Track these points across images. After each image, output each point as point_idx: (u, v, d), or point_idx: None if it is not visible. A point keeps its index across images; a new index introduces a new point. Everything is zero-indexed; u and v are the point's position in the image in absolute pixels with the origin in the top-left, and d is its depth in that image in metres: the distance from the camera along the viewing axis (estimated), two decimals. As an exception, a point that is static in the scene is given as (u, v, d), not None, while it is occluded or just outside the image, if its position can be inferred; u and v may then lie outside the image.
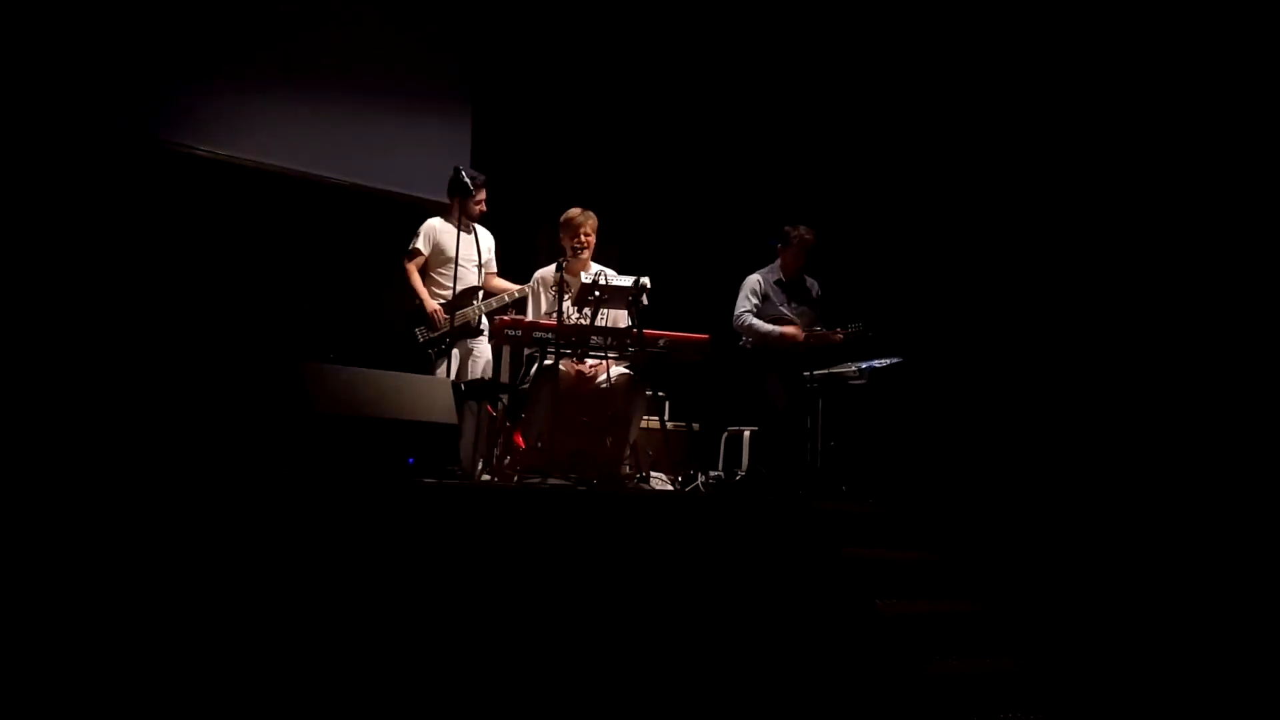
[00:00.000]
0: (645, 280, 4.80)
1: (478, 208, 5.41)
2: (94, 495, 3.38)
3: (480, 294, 5.38)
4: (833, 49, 7.03)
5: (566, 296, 4.92)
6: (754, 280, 5.81)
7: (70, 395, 5.01)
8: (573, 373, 5.09)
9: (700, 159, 7.45)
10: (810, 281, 5.90)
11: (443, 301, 5.29)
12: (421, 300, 5.28)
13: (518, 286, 5.42)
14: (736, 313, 5.75)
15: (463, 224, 5.34)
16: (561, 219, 5.24)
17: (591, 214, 5.22)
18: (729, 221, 7.25)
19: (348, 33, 6.32)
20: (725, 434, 6.44)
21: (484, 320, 5.41)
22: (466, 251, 5.34)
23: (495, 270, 5.59)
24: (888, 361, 5.72)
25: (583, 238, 5.19)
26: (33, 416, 4.78)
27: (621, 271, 5.25)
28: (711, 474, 5.69)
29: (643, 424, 5.25)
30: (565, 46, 7.15)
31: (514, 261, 5.90)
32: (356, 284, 6.07)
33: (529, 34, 7.04)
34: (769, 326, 5.65)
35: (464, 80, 6.83)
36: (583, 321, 4.98)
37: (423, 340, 5.27)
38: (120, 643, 3.15)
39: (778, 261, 5.83)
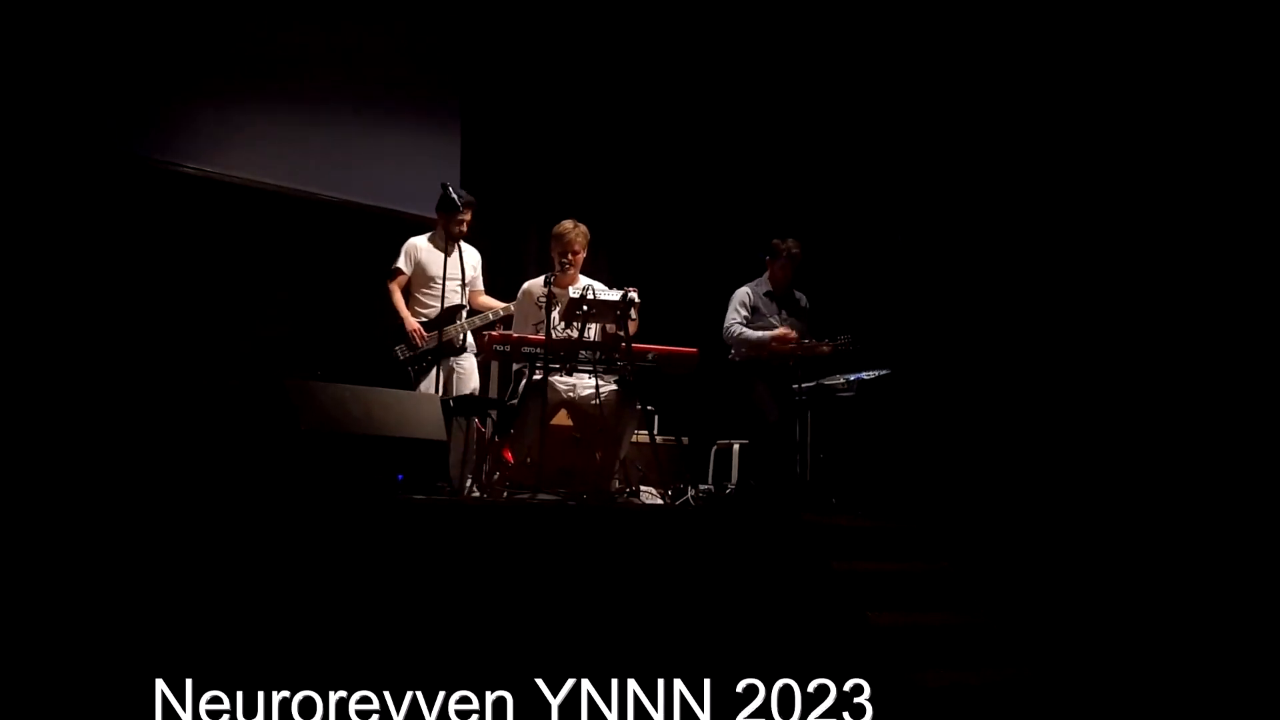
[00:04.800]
0: (634, 294, 4.79)
1: (458, 228, 5.35)
2: (78, 513, 3.36)
3: (464, 312, 5.36)
4: (822, 64, 7.07)
5: (554, 310, 4.91)
6: (743, 293, 5.82)
7: (56, 411, 4.98)
8: (562, 389, 5.09)
9: (689, 172, 7.48)
10: (799, 294, 5.91)
11: (424, 320, 5.28)
12: (402, 319, 5.26)
13: (503, 305, 5.40)
14: (726, 324, 5.75)
15: (445, 242, 5.32)
16: (553, 231, 5.23)
17: (583, 228, 5.21)
18: (716, 235, 7.27)
19: (334, 48, 6.31)
20: (715, 447, 6.44)
21: (468, 339, 5.39)
22: (449, 269, 5.31)
23: (481, 289, 5.58)
24: (876, 373, 5.74)
25: (570, 254, 5.18)
26: (17, 431, 4.75)
27: (610, 285, 5.26)
28: (701, 488, 5.69)
29: (632, 438, 5.24)
30: (555, 58, 7.17)
31: (502, 273, 5.90)
32: (344, 300, 6.05)
33: (518, 46, 7.05)
34: (760, 333, 5.66)
35: (452, 94, 6.82)
36: (571, 335, 4.97)
37: (402, 358, 5.25)
38: (105, 657, 3.12)
39: (766, 274, 5.85)
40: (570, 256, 5.17)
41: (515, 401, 5.00)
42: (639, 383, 4.96)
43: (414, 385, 5.22)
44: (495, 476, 4.93)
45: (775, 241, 5.80)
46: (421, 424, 4.31)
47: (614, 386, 5.08)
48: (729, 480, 6.17)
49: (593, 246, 5.37)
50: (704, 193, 7.45)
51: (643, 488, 5.23)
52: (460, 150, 6.75)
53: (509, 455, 4.99)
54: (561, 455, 5.18)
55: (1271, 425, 4.89)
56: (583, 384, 5.12)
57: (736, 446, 6.25)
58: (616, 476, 5.05)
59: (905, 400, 6.01)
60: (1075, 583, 4.79)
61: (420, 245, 5.40)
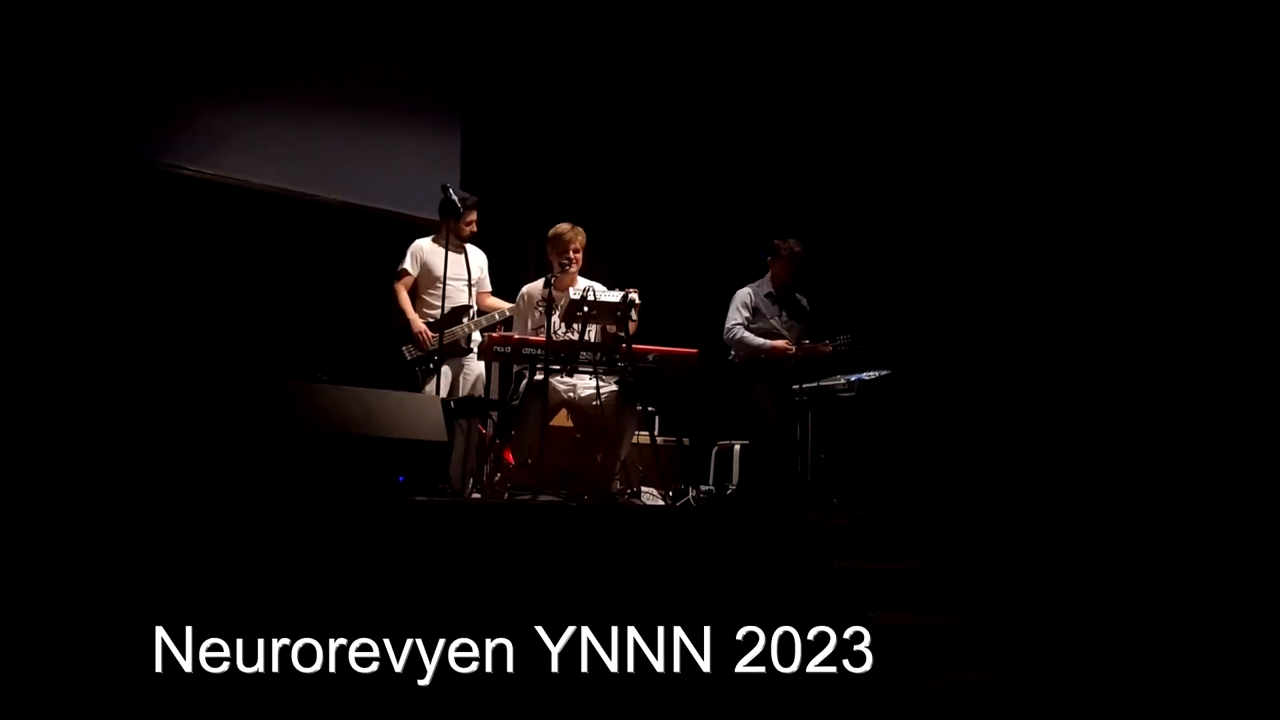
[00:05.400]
0: (634, 295, 4.79)
1: (468, 228, 5.42)
2: (79, 515, 3.36)
3: (471, 313, 5.38)
4: (821, 65, 7.07)
5: (555, 312, 4.92)
6: (745, 293, 5.82)
7: (57, 412, 4.99)
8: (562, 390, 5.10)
9: (689, 173, 7.48)
10: (800, 296, 5.92)
11: (430, 321, 5.30)
12: (409, 320, 5.28)
13: (510, 305, 5.42)
14: (727, 326, 5.76)
15: (452, 243, 5.34)
16: (550, 234, 5.25)
17: (580, 230, 5.23)
18: (717, 235, 7.27)
19: (334, 50, 6.33)
20: (715, 448, 6.44)
21: (475, 339, 5.41)
22: (455, 271, 5.33)
23: (489, 289, 5.61)
24: (876, 374, 5.75)
25: (571, 254, 5.19)
26: (19, 431, 4.76)
27: (610, 286, 5.27)
28: (702, 489, 5.69)
29: (633, 439, 5.25)
30: (554, 60, 7.17)
31: (503, 276, 5.90)
32: (345, 302, 6.06)
33: (517, 48, 7.06)
34: (759, 340, 5.66)
35: (452, 96, 6.84)
36: (571, 337, 4.98)
37: (409, 359, 5.27)
38: (105, 658, 3.13)
39: (768, 275, 5.85)
40: (570, 256, 5.18)
41: (516, 403, 5.01)
42: (639, 383, 4.96)
43: (419, 386, 5.23)
44: (496, 478, 4.93)
45: (776, 241, 5.80)
46: (422, 425, 4.31)
47: (614, 387, 5.08)
48: (730, 481, 6.17)
49: (592, 247, 5.38)
50: (705, 193, 7.46)
51: (643, 488, 5.23)
52: (460, 152, 6.76)
53: (510, 456, 4.99)
54: (562, 456, 5.18)
55: (1271, 425, 4.90)
56: (583, 385, 5.13)
57: (737, 447, 6.25)
58: (617, 477, 5.05)
59: (906, 400, 6.01)
60: (1076, 582, 4.79)
61: (426, 247, 5.43)
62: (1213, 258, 5.23)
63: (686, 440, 6.06)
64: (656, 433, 5.62)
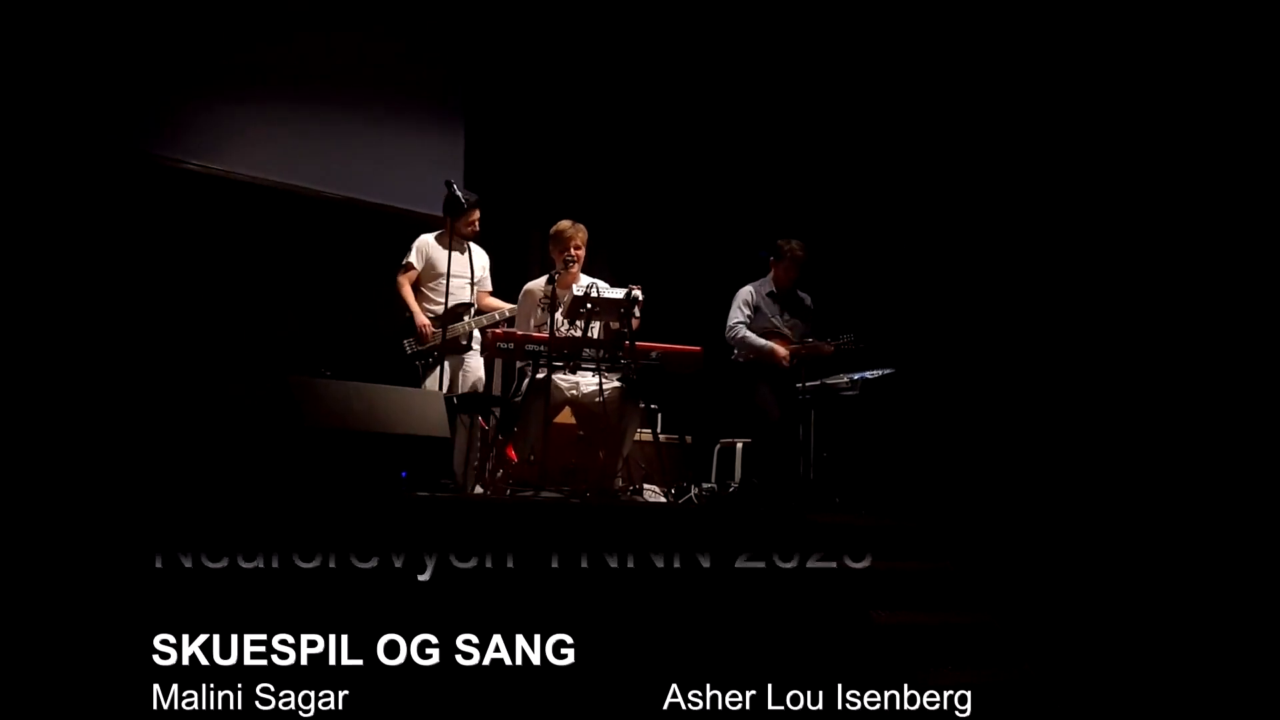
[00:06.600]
0: (637, 292, 4.79)
1: (469, 228, 5.42)
2: (80, 511, 3.37)
3: (472, 310, 5.39)
4: (824, 64, 7.06)
5: (558, 309, 4.92)
6: (747, 292, 5.82)
7: (58, 408, 4.99)
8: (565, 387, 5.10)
9: (693, 171, 7.47)
10: (803, 294, 5.91)
11: (432, 316, 5.31)
12: (412, 314, 5.30)
13: (510, 306, 5.43)
14: (729, 324, 5.75)
15: (455, 241, 5.35)
16: (551, 231, 5.25)
17: (581, 227, 5.23)
18: (721, 234, 7.27)
19: (339, 46, 6.33)
20: (718, 446, 6.44)
21: (475, 336, 5.41)
22: (458, 268, 5.33)
23: (489, 289, 5.61)
24: (879, 372, 5.74)
25: (573, 250, 5.19)
26: (19, 427, 4.76)
27: (613, 284, 5.26)
28: (705, 486, 5.69)
29: (635, 437, 5.25)
30: (558, 58, 7.17)
31: (506, 274, 5.90)
32: (348, 298, 6.07)
33: (521, 45, 7.06)
34: (760, 340, 5.66)
35: (456, 92, 6.84)
36: (574, 334, 4.98)
37: (410, 352, 5.28)
38: (105, 657, 3.13)
39: (770, 274, 5.85)
40: (572, 253, 5.18)
41: (519, 399, 5.01)
42: (642, 381, 4.96)
43: (420, 380, 5.24)
44: (499, 474, 4.93)
45: (779, 243, 5.80)
46: (425, 421, 4.32)
47: (617, 384, 5.08)
48: (732, 479, 6.17)
49: (595, 246, 5.38)
50: (708, 191, 7.45)
51: (646, 486, 5.24)
52: (464, 149, 6.76)
53: (512, 453, 5.00)
54: (565, 453, 5.18)
55: (1271, 425, 4.89)
56: (585, 382, 5.13)
57: (740, 445, 6.25)
58: (620, 475, 5.06)
59: (909, 399, 6.01)
60: (1079, 583, 4.79)
61: (431, 242, 5.45)
62: (1214, 258, 5.22)
63: (689, 438, 6.05)
64: (659, 430, 5.62)
